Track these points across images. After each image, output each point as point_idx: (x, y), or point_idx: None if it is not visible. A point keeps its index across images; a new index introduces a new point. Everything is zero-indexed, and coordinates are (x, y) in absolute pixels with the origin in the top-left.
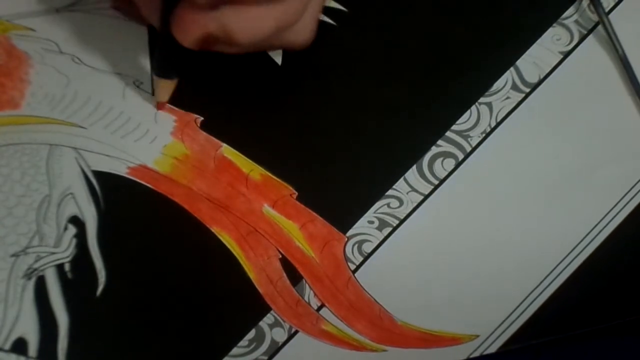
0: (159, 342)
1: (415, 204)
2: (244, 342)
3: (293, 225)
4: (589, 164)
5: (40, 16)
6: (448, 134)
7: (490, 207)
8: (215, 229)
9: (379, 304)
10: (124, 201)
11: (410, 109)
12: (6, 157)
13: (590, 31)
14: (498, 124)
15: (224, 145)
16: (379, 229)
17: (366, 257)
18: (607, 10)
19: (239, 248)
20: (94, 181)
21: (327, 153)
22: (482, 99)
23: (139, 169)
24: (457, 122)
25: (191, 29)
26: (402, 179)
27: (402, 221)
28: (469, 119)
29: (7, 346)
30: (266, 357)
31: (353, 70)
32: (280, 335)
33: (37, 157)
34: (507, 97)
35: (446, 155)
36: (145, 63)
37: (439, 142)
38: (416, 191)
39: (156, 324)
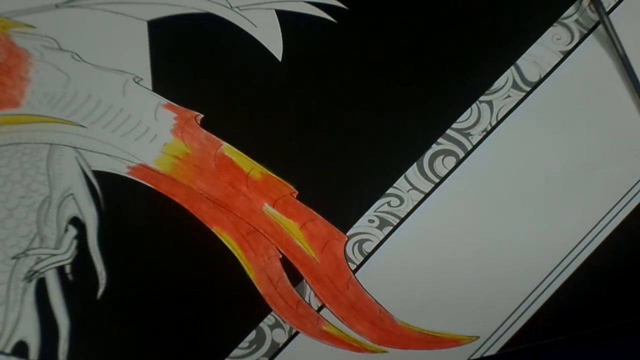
0: (159, 344)
1: (416, 203)
2: (244, 343)
3: (293, 225)
4: (589, 163)
5: (39, 12)
6: (449, 132)
7: (491, 206)
8: (215, 229)
9: (380, 305)
10: (124, 201)
11: (410, 107)
12: (6, 158)
13: (590, 31)
14: (499, 123)
15: (224, 143)
16: (380, 227)
17: (367, 257)
18: (607, 10)
19: (240, 248)
20: (94, 181)
21: (327, 151)
22: (482, 97)
23: (140, 168)
24: (458, 120)
25: None
26: (402, 177)
27: (402, 220)
28: (469, 117)
29: (8, 349)
30: (267, 359)
31: (353, 68)
32: (280, 336)
33: (37, 157)
34: (508, 96)
35: (447, 153)
36: (145, 59)
37: (440, 140)
38: (417, 189)
39: (156, 325)
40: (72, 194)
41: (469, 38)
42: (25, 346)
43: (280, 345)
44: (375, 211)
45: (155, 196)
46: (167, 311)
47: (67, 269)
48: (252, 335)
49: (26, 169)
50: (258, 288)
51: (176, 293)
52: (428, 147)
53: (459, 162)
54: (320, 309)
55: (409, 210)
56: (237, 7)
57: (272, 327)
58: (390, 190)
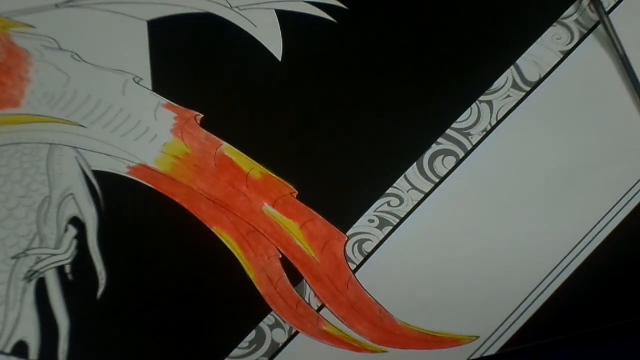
0: (159, 344)
1: (416, 203)
2: (244, 343)
3: (293, 225)
4: (589, 163)
5: (39, 12)
6: (449, 132)
7: (491, 206)
8: (215, 229)
9: (380, 305)
10: (124, 201)
11: (410, 107)
12: (6, 158)
13: (590, 31)
14: (499, 123)
15: (224, 143)
16: (380, 227)
17: (367, 257)
18: (607, 10)
19: (240, 248)
20: (94, 181)
21: (327, 151)
22: (482, 97)
23: (139, 168)
24: (458, 120)
25: None
26: (402, 177)
27: (402, 220)
28: (469, 117)
29: (8, 349)
30: (267, 359)
31: (353, 68)
32: (280, 336)
33: (37, 157)
34: (508, 96)
35: (447, 153)
36: (145, 59)
37: (440, 140)
38: (417, 189)
39: (156, 325)
40: (72, 194)
41: (469, 38)
42: (25, 346)
43: (280, 345)
44: (375, 211)
45: (155, 196)
46: (167, 311)
47: (67, 269)
48: (252, 335)
49: (26, 169)
50: (258, 288)
51: (176, 293)
52: (428, 147)
53: (459, 162)
54: (320, 309)
55: (409, 210)
56: (237, 7)
57: (272, 327)
58: (390, 190)
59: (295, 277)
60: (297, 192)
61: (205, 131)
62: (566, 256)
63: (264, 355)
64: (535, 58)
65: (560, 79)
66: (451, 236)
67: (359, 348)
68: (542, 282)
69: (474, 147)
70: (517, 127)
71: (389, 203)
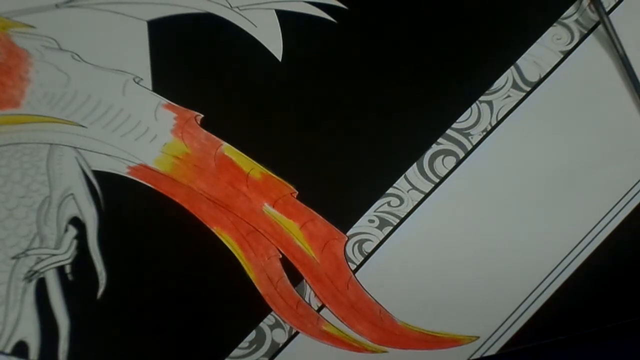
0: (159, 344)
1: (415, 203)
2: (244, 343)
3: (293, 225)
4: (589, 163)
5: (39, 12)
6: (449, 132)
7: (491, 206)
8: (215, 229)
9: (380, 305)
10: (124, 201)
11: (410, 107)
12: (6, 158)
13: (590, 31)
14: (499, 123)
15: (224, 143)
16: (380, 227)
17: (367, 257)
18: (607, 10)
19: (240, 248)
20: (94, 181)
21: (327, 151)
22: (482, 98)
23: (139, 168)
24: (458, 120)
25: None
26: (402, 177)
27: (402, 220)
28: (469, 117)
29: (8, 349)
30: (267, 359)
31: (353, 68)
32: (280, 336)
33: (37, 157)
34: (508, 96)
35: (447, 153)
36: (145, 59)
37: (440, 140)
38: (417, 189)
39: (156, 325)
40: (72, 194)
41: (469, 38)
42: (25, 346)
43: (280, 345)
44: (375, 211)
45: (155, 196)
46: (167, 311)
47: (67, 269)
48: (252, 335)
49: (26, 169)
50: (258, 288)
51: (176, 293)
52: (428, 147)
53: (459, 162)
54: (320, 309)
55: (409, 210)
56: (237, 7)
57: (272, 327)
58: (390, 190)
59: (295, 277)
60: (297, 192)
61: (205, 131)
62: (566, 256)
63: (264, 355)
64: (535, 58)
65: (560, 79)
66: (451, 236)
67: (359, 348)
68: (542, 282)
69: (474, 147)
70: (517, 127)
71: (389, 203)
